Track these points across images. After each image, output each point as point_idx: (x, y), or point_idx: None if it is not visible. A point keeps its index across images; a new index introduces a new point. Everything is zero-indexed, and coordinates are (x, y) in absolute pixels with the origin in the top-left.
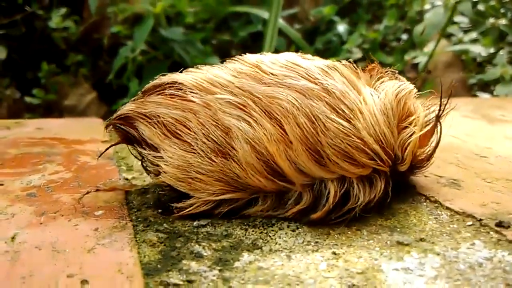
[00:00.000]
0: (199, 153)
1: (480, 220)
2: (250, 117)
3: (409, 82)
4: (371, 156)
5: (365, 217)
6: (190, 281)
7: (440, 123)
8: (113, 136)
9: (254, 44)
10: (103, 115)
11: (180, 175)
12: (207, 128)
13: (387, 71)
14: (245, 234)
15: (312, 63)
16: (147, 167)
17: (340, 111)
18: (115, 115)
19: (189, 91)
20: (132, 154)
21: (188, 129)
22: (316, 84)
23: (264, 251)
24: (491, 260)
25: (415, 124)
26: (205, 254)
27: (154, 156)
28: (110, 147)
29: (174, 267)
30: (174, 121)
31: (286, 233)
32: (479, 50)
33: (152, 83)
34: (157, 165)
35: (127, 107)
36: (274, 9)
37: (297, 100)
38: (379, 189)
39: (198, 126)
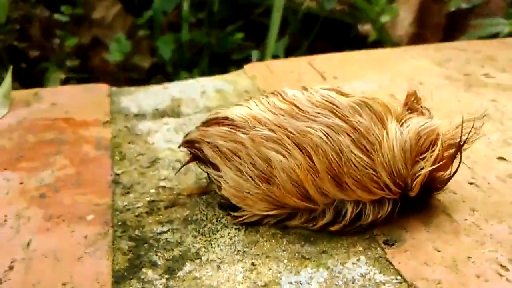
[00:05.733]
0: (248, 179)
1: (376, 235)
2: (285, 149)
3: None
4: (382, 187)
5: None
6: None
7: (460, 152)
8: (114, 117)
9: None
10: (128, 27)
11: (235, 192)
12: (253, 158)
13: (419, 109)
14: (194, 241)
15: (345, 100)
16: (211, 180)
17: (362, 146)
18: (184, 140)
19: (237, 127)
20: (200, 168)
21: (239, 158)
22: (345, 121)
23: (203, 260)
24: (364, 277)
25: (427, 159)
26: (159, 263)
27: (216, 175)
28: (182, 166)
29: (135, 275)
30: (228, 151)
31: (224, 241)
32: None
33: (209, 116)
34: (219, 181)
35: (194, 134)
36: None
37: (327, 135)
38: (386, 210)
39: (246, 156)
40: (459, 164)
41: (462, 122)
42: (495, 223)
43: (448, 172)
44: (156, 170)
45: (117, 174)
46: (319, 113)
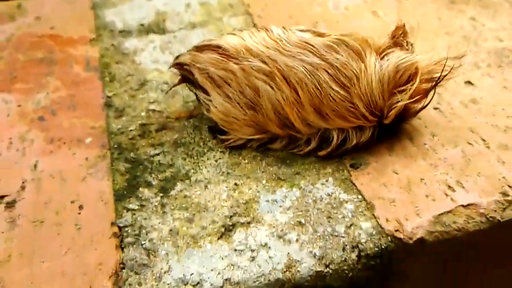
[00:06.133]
0: (236, 105)
1: (344, 159)
2: (273, 81)
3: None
4: (358, 117)
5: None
6: (142, 206)
7: (435, 88)
8: (100, 33)
9: None
10: None
11: (223, 117)
12: (242, 87)
13: (404, 43)
14: (183, 164)
15: (320, 40)
16: (200, 102)
17: (339, 81)
18: (174, 62)
19: (230, 57)
20: (189, 89)
21: (229, 85)
22: (322, 59)
23: (192, 181)
24: (330, 196)
25: (406, 93)
26: (154, 183)
27: (205, 98)
28: (172, 87)
29: (133, 194)
30: (219, 78)
31: (210, 163)
32: None
33: (203, 42)
34: (207, 105)
35: (185, 57)
36: None
37: (308, 72)
38: (367, 135)
39: (236, 85)
40: (432, 97)
41: (446, 62)
42: (450, 147)
43: (421, 103)
44: (145, 93)
45: (109, 97)
46: (299, 53)
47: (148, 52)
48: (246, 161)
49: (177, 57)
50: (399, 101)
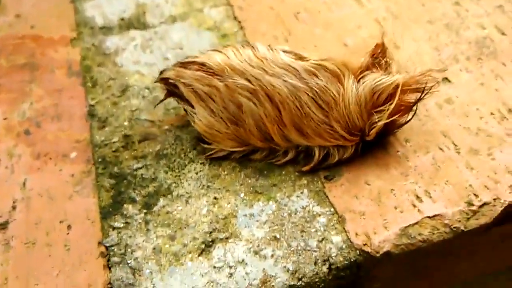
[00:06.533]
0: (219, 120)
1: (319, 170)
2: (257, 99)
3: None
4: (337, 138)
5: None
6: (127, 223)
7: (417, 104)
8: (81, 31)
9: None
10: None
11: (207, 129)
12: (225, 103)
13: (382, 62)
14: (165, 177)
15: (301, 64)
16: (187, 113)
17: (318, 104)
18: (159, 77)
19: (214, 74)
20: (176, 101)
21: (213, 100)
22: (303, 83)
23: (174, 196)
24: (304, 209)
25: (385, 113)
26: (137, 199)
27: (191, 110)
28: (159, 103)
29: (118, 211)
30: (203, 93)
31: (191, 176)
32: None
33: (187, 59)
34: (193, 116)
35: (170, 72)
36: None
37: (291, 93)
38: (349, 152)
39: (220, 100)
40: (415, 111)
41: (427, 81)
42: (421, 154)
43: (405, 117)
44: (127, 100)
45: (92, 105)
46: (283, 74)
47: (129, 51)
48: (225, 172)
49: (161, 72)
50: (379, 120)
